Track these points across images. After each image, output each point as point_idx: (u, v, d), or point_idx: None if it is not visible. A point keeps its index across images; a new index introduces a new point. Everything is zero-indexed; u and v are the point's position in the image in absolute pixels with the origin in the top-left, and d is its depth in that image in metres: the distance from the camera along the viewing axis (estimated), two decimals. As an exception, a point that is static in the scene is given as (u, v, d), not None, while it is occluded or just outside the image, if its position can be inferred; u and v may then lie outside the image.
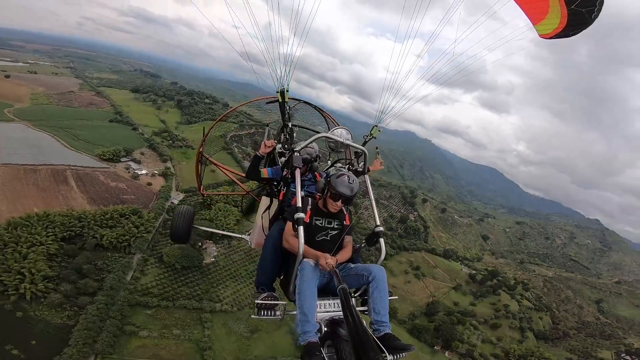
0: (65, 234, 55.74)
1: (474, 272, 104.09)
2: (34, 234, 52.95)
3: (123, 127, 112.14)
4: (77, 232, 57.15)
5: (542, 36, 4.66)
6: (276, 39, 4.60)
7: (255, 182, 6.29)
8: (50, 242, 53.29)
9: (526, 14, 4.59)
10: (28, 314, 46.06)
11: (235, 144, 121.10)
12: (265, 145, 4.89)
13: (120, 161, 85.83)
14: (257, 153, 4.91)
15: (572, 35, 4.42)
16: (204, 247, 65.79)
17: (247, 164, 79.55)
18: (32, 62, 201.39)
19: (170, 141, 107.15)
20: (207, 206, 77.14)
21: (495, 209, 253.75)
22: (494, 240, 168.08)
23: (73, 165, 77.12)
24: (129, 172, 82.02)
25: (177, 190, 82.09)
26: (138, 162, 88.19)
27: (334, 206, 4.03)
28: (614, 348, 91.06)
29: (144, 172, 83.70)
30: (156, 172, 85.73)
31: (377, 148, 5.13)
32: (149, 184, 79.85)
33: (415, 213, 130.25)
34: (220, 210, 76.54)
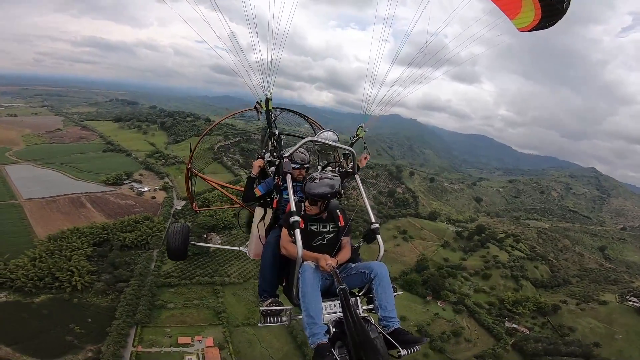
0: (95, 240, 73.66)
1: (460, 229, 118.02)
2: (71, 243, 70.59)
3: (117, 154, 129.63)
4: (104, 238, 75.11)
5: (521, 30, 4.94)
6: (257, 49, 5.03)
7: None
8: (85, 247, 71.14)
9: (501, 10, 4.82)
10: (82, 300, 63.51)
11: (223, 154, 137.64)
12: (256, 166, 5.64)
13: (124, 183, 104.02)
14: (251, 174, 5.61)
15: (549, 26, 4.74)
16: (209, 237, 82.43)
17: (237, 169, 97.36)
18: (7, 105, 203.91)
19: (163, 160, 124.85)
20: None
21: (490, 172, 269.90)
22: (488, 201, 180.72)
23: (85, 192, 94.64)
24: (133, 191, 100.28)
25: (178, 199, 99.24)
26: (139, 182, 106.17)
27: (311, 210, 4.36)
28: (619, 292, 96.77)
29: (146, 189, 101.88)
30: (157, 187, 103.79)
31: (364, 143, 5.58)
32: (153, 197, 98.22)
33: (403, 186, 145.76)
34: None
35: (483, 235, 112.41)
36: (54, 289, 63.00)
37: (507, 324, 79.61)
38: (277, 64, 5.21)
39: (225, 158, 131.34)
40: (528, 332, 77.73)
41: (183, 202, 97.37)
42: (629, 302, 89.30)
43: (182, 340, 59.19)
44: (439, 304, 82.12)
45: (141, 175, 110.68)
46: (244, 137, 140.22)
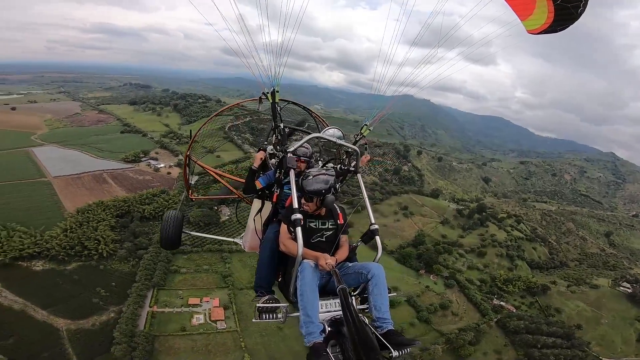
0: (118, 212, 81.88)
1: (461, 207, 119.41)
2: (97, 215, 78.72)
3: (134, 135, 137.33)
4: (126, 210, 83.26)
5: (530, 32, 4.96)
6: (266, 32, 4.98)
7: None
8: (109, 218, 79.34)
9: (513, 10, 4.88)
10: (107, 267, 71.44)
11: (234, 133, 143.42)
12: (258, 158, 5.79)
13: (141, 161, 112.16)
14: (253, 167, 5.68)
15: (560, 30, 4.73)
16: (219, 210, 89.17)
17: (247, 147, 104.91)
18: (25, 92, 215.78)
19: (177, 139, 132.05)
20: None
21: (505, 154, 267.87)
22: (497, 182, 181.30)
23: (106, 170, 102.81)
24: (150, 168, 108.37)
25: (192, 174, 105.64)
26: (155, 159, 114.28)
27: (308, 207, 4.38)
28: (614, 277, 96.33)
29: (162, 165, 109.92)
30: (172, 164, 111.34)
31: (366, 143, 5.62)
32: (169, 173, 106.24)
33: (410, 164, 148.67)
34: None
35: (483, 214, 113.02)
36: (84, 257, 70.89)
37: (495, 301, 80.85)
38: (289, 47, 5.20)
39: (236, 137, 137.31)
40: (514, 310, 78.94)
41: (196, 177, 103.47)
42: (621, 288, 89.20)
43: (192, 301, 66.34)
44: (431, 277, 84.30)
45: (157, 153, 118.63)
46: (254, 117, 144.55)
